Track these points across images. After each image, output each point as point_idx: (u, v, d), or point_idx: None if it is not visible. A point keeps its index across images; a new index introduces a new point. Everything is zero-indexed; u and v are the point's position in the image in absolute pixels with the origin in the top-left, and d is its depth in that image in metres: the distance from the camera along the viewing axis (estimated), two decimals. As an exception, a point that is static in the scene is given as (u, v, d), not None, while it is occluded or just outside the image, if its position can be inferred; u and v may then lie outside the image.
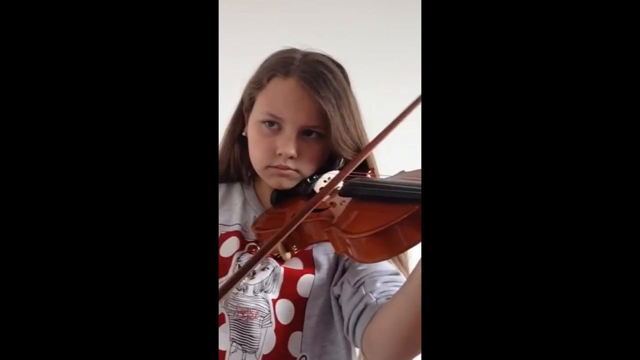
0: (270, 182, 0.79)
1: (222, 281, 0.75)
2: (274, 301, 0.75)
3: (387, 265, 0.73)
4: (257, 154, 0.78)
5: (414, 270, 0.57)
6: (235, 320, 0.75)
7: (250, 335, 0.74)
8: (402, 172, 0.73)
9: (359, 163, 0.63)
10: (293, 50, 0.79)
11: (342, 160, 0.81)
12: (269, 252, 0.58)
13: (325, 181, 0.75)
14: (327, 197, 0.70)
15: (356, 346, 0.72)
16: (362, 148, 0.77)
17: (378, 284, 0.69)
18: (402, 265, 0.76)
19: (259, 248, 0.78)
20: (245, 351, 0.74)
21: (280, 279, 0.76)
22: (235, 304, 0.75)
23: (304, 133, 0.76)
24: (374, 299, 0.67)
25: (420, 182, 0.58)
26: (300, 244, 0.71)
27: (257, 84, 0.78)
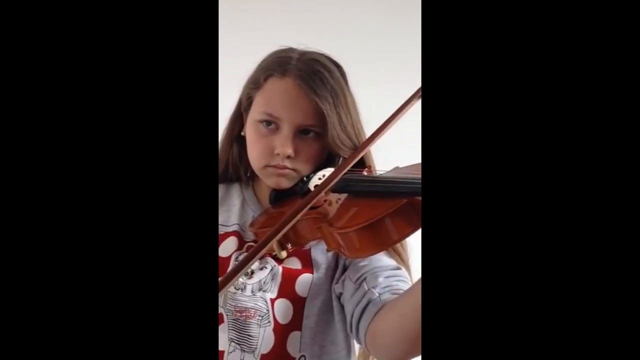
0: (269, 181, 0.79)
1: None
2: (273, 301, 0.75)
3: (388, 261, 0.73)
4: (255, 154, 0.78)
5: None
6: (234, 320, 0.74)
7: (249, 335, 0.74)
8: (397, 167, 0.73)
9: (355, 161, 0.63)
10: (290, 50, 0.79)
11: (340, 159, 0.81)
12: (265, 250, 0.58)
13: (320, 178, 0.75)
14: (322, 194, 0.70)
15: (359, 343, 0.71)
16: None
17: (380, 279, 0.69)
18: (403, 261, 0.76)
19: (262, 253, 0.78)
20: (244, 351, 0.74)
21: (279, 279, 0.76)
22: (234, 304, 0.75)
23: (301, 132, 0.76)
24: (377, 295, 0.67)
25: (411, 176, 0.58)
26: (294, 242, 0.71)
27: (254, 84, 0.78)
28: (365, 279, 0.71)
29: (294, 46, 0.80)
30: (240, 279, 0.76)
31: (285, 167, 0.76)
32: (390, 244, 0.58)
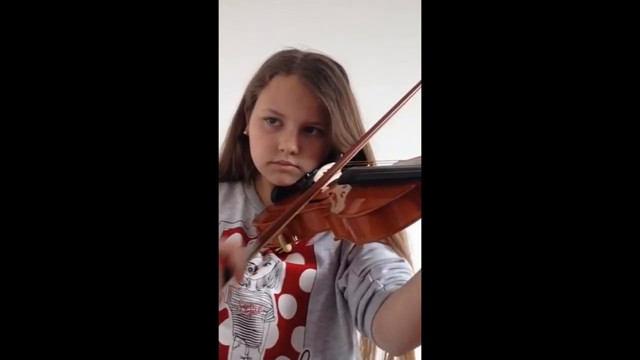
0: (272, 178, 0.80)
1: None
2: (277, 296, 0.76)
3: (391, 254, 0.74)
4: (258, 150, 0.79)
5: None
6: (238, 315, 0.75)
7: (254, 330, 0.75)
8: (400, 161, 0.75)
9: (355, 152, 0.64)
10: (294, 51, 0.81)
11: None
12: (269, 241, 0.59)
13: (324, 173, 0.77)
14: (327, 188, 0.71)
15: (365, 334, 0.72)
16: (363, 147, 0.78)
17: (384, 271, 0.70)
18: (405, 255, 0.77)
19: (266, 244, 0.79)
20: (249, 346, 0.74)
21: (283, 274, 0.77)
22: (238, 299, 0.75)
23: (305, 129, 0.77)
24: (382, 286, 0.68)
25: (416, 164, 0.60)
26: (301, 234, 0.72)
27: (259, 82, 0.79)
28: (369, 271, 0.72)
29: (298, 47, 0.81)
30: (245, 275, 0.77)
31: (289, 164, 0.77)
32: (398, 228, 0.59)
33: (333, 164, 0.78)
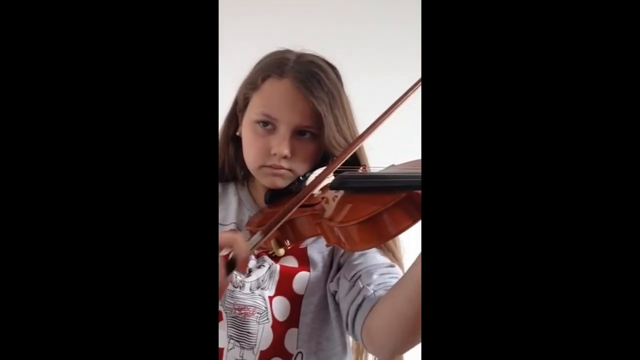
0: (264, 181, 0.80)
1: None
2: (271, 298, 0.77)
3: (382, 259, 0.75)
4: (251, 154, 0.79)
5: (413, 264, 0.59)
6: (233, 317, 0.76)
7: (248, 332, 0.76)
8: (392, 165, 0.75)
9: (347, 157, 0.64)
10: (287, 52, 0.80)
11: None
12: (272, 232, 0.60)
13: (316, 177, 0.77)
14: (319, 192, 0.71)
15: (356, 339, 0.73)
16: (356, 150, 0.78)
17: (375, 276, 0.71)
18: (396, 259, 0.78)
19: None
20: (243, 348, 0.75)
21: (276, 277, 0.77)
22: (233, 301, 0.76)
23: (297, 133, 0.77)
24: (372, 291, 0.69)
25: (408, 171, 0.60)
26: (293, 238, 0.72)
27: (251, 85, 0.79)
28: (360, 276, 0.72)
29: (291, 48, 0.81)
30: (239, 277, 0.78)
31: (282, 167, 0.77)
32: (389, 237, 0.60)
33: (325, 167, 0.79)
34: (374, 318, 0.67)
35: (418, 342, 0.62)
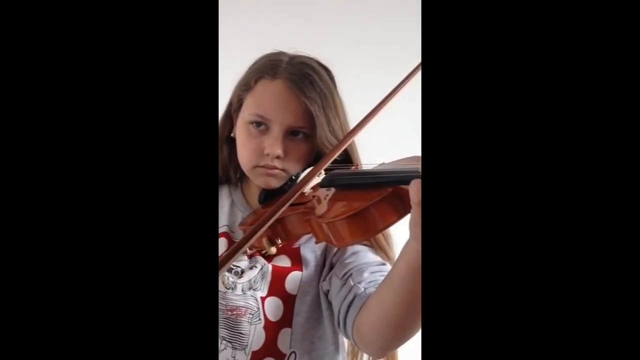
0: (258, 181, 0.80)
1: None
2: (263, 299, 0.76)
3: (373, 257, 0.75)
4: (245, 154, 0.80)
5: (397, 260, 0.59)
6: (225, 318, 0.76)
7: (240, 333, 0.75)
8: (382, 164, 0.76)
9: (337, 154, 0.65)
10: (280, 53, 0.81)
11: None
12: (249, 244, 0.59)
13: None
14: (310, 191, 0.72)
15: (347, 337, 0.73)
16: (348, 148, 0.79)
17: (365, 274, 0.71)
18: (388, 258, 0.78)
19: (247, 247, 0.80)
20: (235, 348, 0.75)
21: (269, 277, 0.77)
22: (225, 303, 0.76)
23: (290, 133, 0.77)
24: (362, 289, 0.69)
25: (396, 168, 0.60)
26: (284, 237, 0.72)
27: (245, 86, 0.80)
28: (351, 274, 0.72)
29: (285, 50, 0.82)
30: (231, 279, 0.77)
31: (275, 167, 0.77)
32: (376, 232, 0.60)
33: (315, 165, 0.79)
34: (363, 315, 0.67)
35: (408, 339, 0.62)
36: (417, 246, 0.51)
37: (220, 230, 0.82)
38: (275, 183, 0.79)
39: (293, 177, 0.79)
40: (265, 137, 0.77)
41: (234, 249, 0.54)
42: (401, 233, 0.62)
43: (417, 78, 0.63)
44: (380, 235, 0.78)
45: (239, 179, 0.88)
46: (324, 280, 0.78)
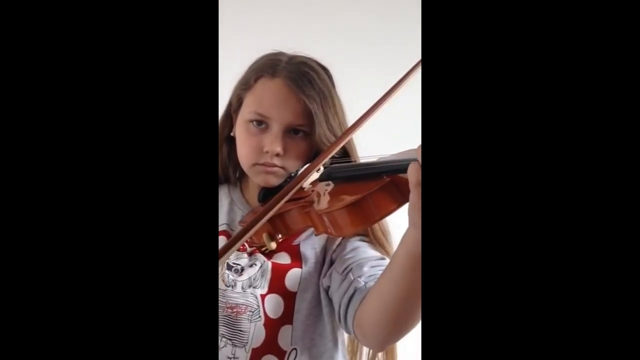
0: (258, 179, 0.81)
1: None
2: (263, 296, 0.77)
3: (373, 252, 0.76)
4: (244, 152, 0.80)
5: (397, 249, 0.59)
6: (225, 316, 0.76)
7: (240, 330, 0.75)
8: (380, 158, 0.76)
9: (333, 151, 0.65)
10: (280, 54, 0.82)
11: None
12: (247, 237, 0.60)
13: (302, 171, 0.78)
14: (310, 186, 0.72)
15: (348, 332, 0.73)
16: (346, 146, 0.79)
17: (365, 269, 0.72)
18: (387, 253, 0.78)
19: (246, 245, 0.80)
20: (235, 345, 0.75)
21: (269, 274, 0.78)
22: (224, 300, 0.76)
23: (290, 131, 0.78)
24: (363, 283, 0.70)
25: (393, 159, 0.61)
26: (284, 231, 0.73)
27: (245, 85, 0.81)
28: (351, 269, 0.73)
29: (284, 50, 0.83)
30: (231, 276, 0.78)
31: (274, 165, 0.78)
32: (373, 221, 0.61)
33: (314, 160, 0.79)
34: (363, 308, 0.67)
35: (409, 331, 0.63)
36: (417, 234, 0.51)
37: (220, 228, 0.83)
38: (274, 181, 0.80)
39: (292, 174, 0.79)
40: (265, 135, 0.78)
41: (234, 239, 0.55)
42: (399, 227, 0.63)
43: (416, 77, 0.63)
44: (378, 231, 0.79)
45: (238, 178, 0.88)
46: (324, 276, 0.78)
